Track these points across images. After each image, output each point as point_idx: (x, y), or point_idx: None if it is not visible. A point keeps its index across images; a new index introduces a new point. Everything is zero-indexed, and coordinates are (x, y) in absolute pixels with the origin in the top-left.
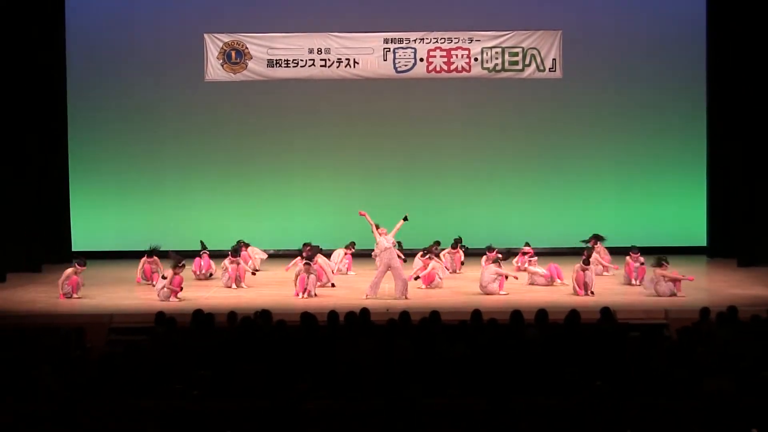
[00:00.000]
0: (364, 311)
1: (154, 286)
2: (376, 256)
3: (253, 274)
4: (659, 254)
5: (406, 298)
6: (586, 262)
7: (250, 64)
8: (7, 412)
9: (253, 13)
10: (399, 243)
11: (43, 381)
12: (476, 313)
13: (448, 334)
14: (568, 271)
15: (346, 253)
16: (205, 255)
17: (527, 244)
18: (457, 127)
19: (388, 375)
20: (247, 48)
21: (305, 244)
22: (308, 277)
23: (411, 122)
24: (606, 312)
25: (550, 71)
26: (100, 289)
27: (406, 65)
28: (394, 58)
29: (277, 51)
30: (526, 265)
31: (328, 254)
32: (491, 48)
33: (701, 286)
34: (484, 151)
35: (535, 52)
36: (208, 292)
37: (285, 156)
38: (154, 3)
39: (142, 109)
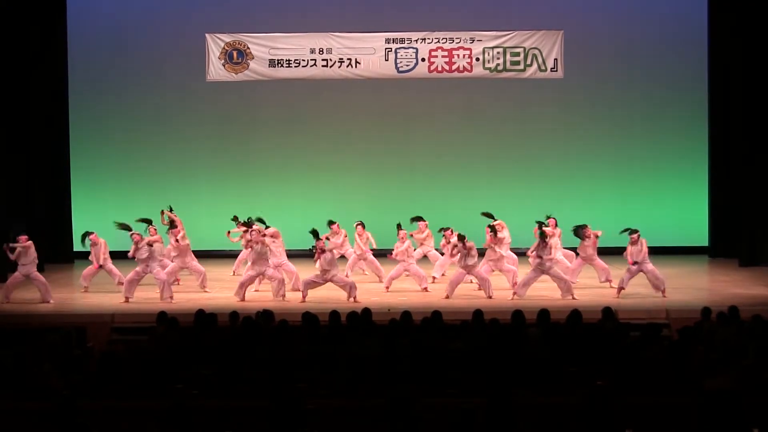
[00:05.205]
0: (366, 311)
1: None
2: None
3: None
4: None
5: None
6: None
7: (252, 64)
8: (8, 411)
9: (255, 13)
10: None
11: (45, 380)
12: (478, 313)
13: (449, 334)
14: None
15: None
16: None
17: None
18: (458, 127)
19: (389, 375)
20: (248, 48)
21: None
22: None
23: (412, 122)
24: (607, 312)
25: (551, 71)
26: (102, 289)
27: (407, 65)
28: (396, 58)
29: (278, 51)
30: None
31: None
32: (493, 48)
33: (703, 286)
34: (485, 151)
35: (536, 52)
36: (209, 291)
37: (286, 156)
38: (155, 3)
39: (144, 109)
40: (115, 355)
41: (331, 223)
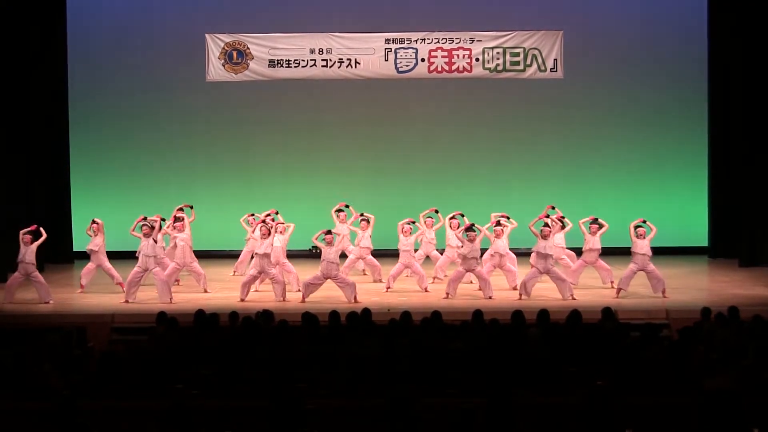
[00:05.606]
0: (366, 311)
1: None
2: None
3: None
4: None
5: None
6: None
7: (252, 64)
8: (8, 411)
9: (255, 13)
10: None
11: (45, 380)
12: (478, 313)
13: (449, 334)
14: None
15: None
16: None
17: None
18: (458, 128)
19: (389, 375)
20: (248, 48)
21: None
22: None
23: (412, 122)
24: (607, 312)
25: (551, 72)
26: (102, 289)
27: (407, 65)
28: (396, 59)
29: (278, 51)
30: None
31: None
32: (492, 48)
33: (703, 287)
34: (485, 151)
35: (536, 52)
36: (210, 292)
37: (286, 156)
38: (155, 3)
39: (144, 109)
40: (115, 355)
41: (339, 211)
